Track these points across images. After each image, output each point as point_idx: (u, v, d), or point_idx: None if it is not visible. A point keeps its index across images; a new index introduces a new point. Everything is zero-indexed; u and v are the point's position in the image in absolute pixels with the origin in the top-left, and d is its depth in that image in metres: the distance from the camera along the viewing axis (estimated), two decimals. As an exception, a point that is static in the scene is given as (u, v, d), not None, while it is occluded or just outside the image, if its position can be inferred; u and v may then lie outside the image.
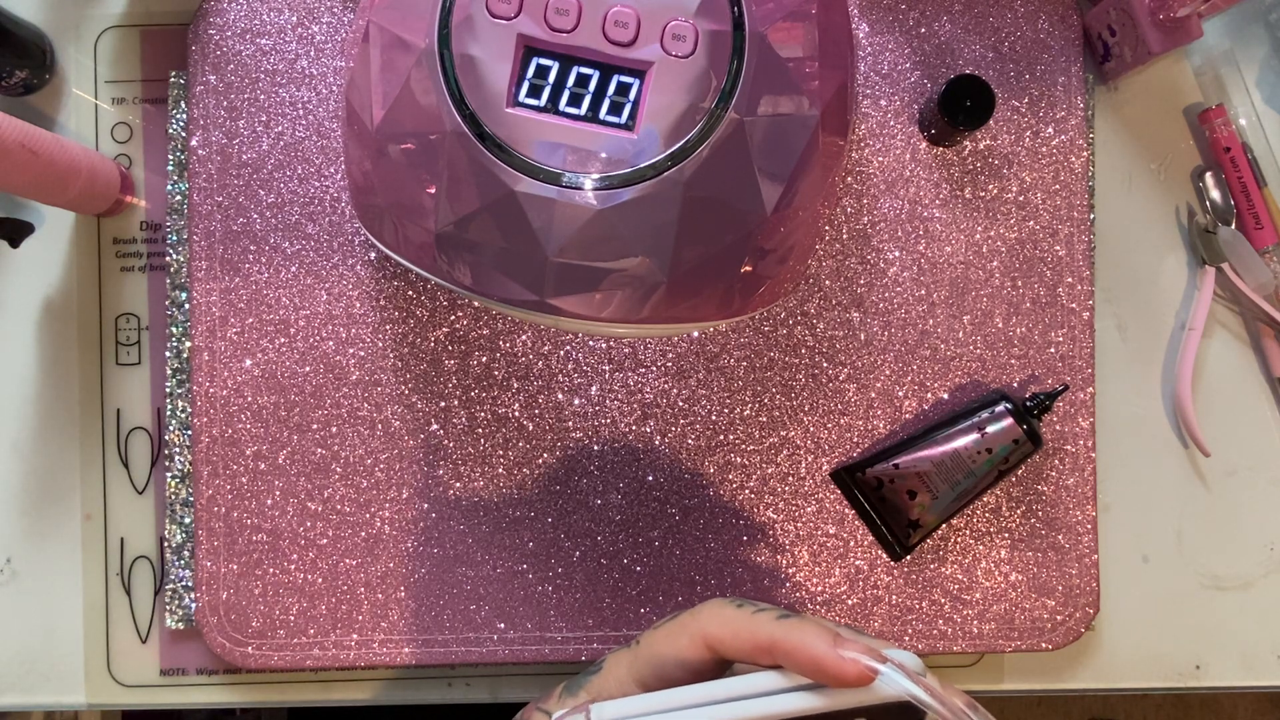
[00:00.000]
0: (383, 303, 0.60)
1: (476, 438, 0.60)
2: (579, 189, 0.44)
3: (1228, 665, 0.63)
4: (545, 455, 0.61)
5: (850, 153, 0.61)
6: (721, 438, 0.61)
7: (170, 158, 0.62)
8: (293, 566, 0.60)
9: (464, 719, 0.83)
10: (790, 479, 0.61)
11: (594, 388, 0.61)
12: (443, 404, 0.60)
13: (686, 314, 0.48)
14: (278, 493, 0.60)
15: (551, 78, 0.44)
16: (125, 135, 0.63)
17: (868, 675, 0.32)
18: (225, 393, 0.60)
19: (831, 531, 0.61)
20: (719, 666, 0.37)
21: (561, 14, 0.44)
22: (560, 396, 0.61)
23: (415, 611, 0.60)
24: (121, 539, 0.62)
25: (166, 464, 0.61)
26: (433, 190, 0.46)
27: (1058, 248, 0.61)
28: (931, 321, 0.61)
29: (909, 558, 0.61)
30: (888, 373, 0.61)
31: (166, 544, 0.61)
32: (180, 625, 0.61)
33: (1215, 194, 0.63)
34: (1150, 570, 0.63)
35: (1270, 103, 0.64)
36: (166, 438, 0.61)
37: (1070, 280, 0.61)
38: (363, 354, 0.60)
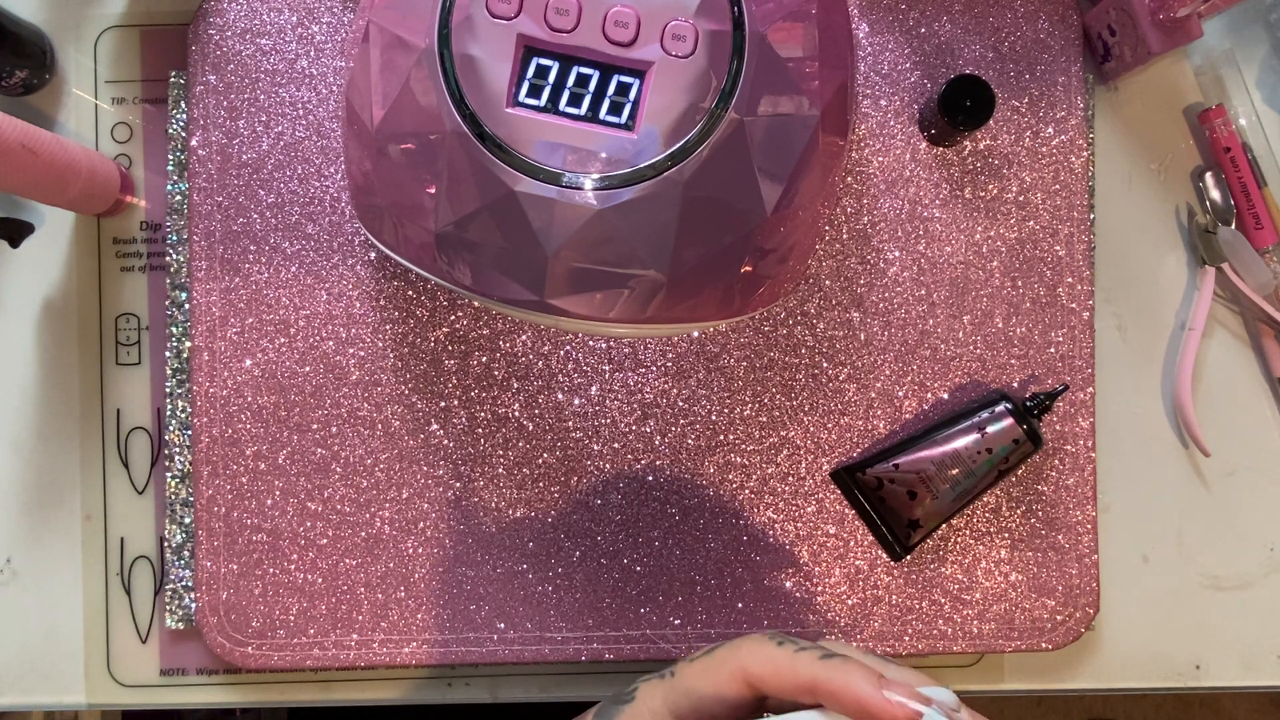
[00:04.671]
0: (383, 303, 0.60)
1: (476, 438, 0.60)
2: (579, 189, 0.44)
3: (1228, 665, 0.63)
4: (545, 455, 0.61)
5: (850, 153, 0.61)
6: (721, 438, 0.61)
7: (170, 158, 0.62)
8: (293, 566, 0.60)
9: (464, 719, 0.83)
10: (790, 479, 0.61)
11: (594, 388, 0.61)
12: (443, 404, 0.60)
13: (686, 314, 0.48)
14: (278, 493, 0.60)
15: (551, 78, 0.44)
16: (125, 135, 0.63)
17: (913, 717, 0.32)
18: (225, 393, 0.60)
19: (831, 531, 0.61)
20: (757, 702, 0.37)
21: (561, 14, 0.44)
22: (560, 396, 0.61)
23: (415, 611, 0.60)
24: (121, 539, 0.62)
25: (166, 464, 0.61)
26: (433, 190, 0.46)
27: (1058, 248, 0.61)
28: (931, 321, 0.61)
29: (909, 558, 0.61)
30: (888, 373, 0.61)
31: (166, 544, 0.61)
32: (180, 625, 0.61)
33: (1215, 194, 0.63)
34: (1150, 570, 0.63)
35: (1270, 103, 0.64)
36: (166, 438, 0.61)
37: (1070, 280, 0.61)
38: (363, 354, 0.60)
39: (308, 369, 0.60)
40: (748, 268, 0.48)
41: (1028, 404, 0.59)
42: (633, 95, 0.44)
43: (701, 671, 0.37)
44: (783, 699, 0.36)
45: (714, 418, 0.61)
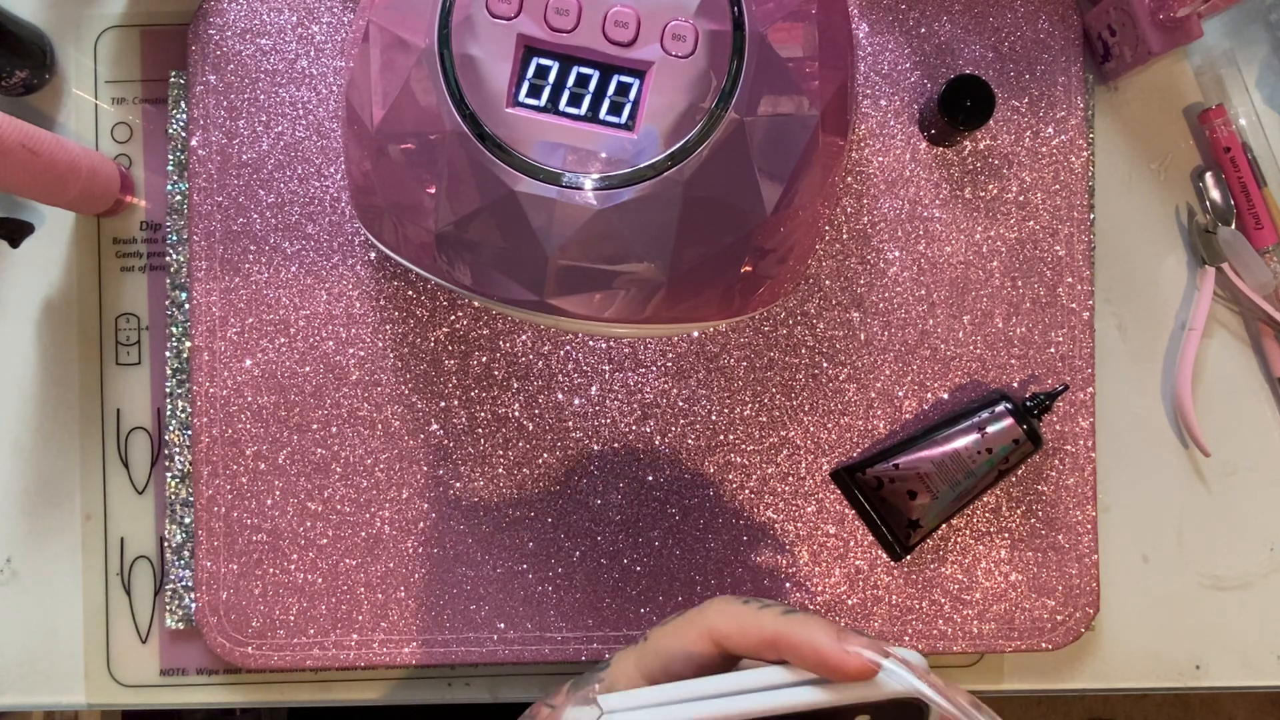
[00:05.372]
0: (383, 303, 0.60)
1: (476, 438, 0.60)
2: (579, 189, 0.44)
3: (1228, 665, 0.63)
4: (545, 455, 0.61)
5: (850, 153, 0.61)
6: (721, 438, 0.61)
7: (170, 158, 0.62)
8: (293, 566, 0.60)
9: (464, 719, 0.83)
10: (790, 479, 0.61)
11: (594, 388, 0.61)
12: (443, 404, 0.60)
13: (686, 314, 0.48)
14: (278, 493, 0.60)
15: (551, 78, 0.44)
16: (125, 135, 0.63)
17: (871, 668, 0.32)
18: (225, 393, 0.60)
19: (831, 531, 0.61)
20: (725, 663, 0.37)
21: (561, 14, 0.44)
22: (560, 396, 0.61)
23: (415, 611, 0.60)
24: (121, 539, 0.62)
25: (166, 464, 0.61)
26: (433, 190, 0.46)
27: (1058, 248, 0.61)
28: (931, 321, 0.61)
29: (909, 558, 0.61)
30: (888, 373, 0.61)
31: (166, 544, 0.61)
32: (180, 625, 0.61)
33: (1215, 194, 0.63)
34: (1150, 570, 0.63)
35: (1270, 103, 0.64)
36: (166, 438, 0.61)
37: (1070, 280, 0.61)
38: (363, 354, 0.60)
39: (308, 369, 0.60)
40: (748, 268, 0.48)
41: (1028, 404, 0.59)
42: (633, 95, 0.44)
43: (671, 632, 0.37)
44: (748, 656, 0.36)
45: (714, 418, 0.61)
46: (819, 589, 0.61)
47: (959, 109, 0.57)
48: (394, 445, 0.60)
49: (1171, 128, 0.64)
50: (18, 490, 0.62)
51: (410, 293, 0.60)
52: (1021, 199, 0.61)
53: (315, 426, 0.60)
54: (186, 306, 0.61)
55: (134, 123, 0.63)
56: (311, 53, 0.61)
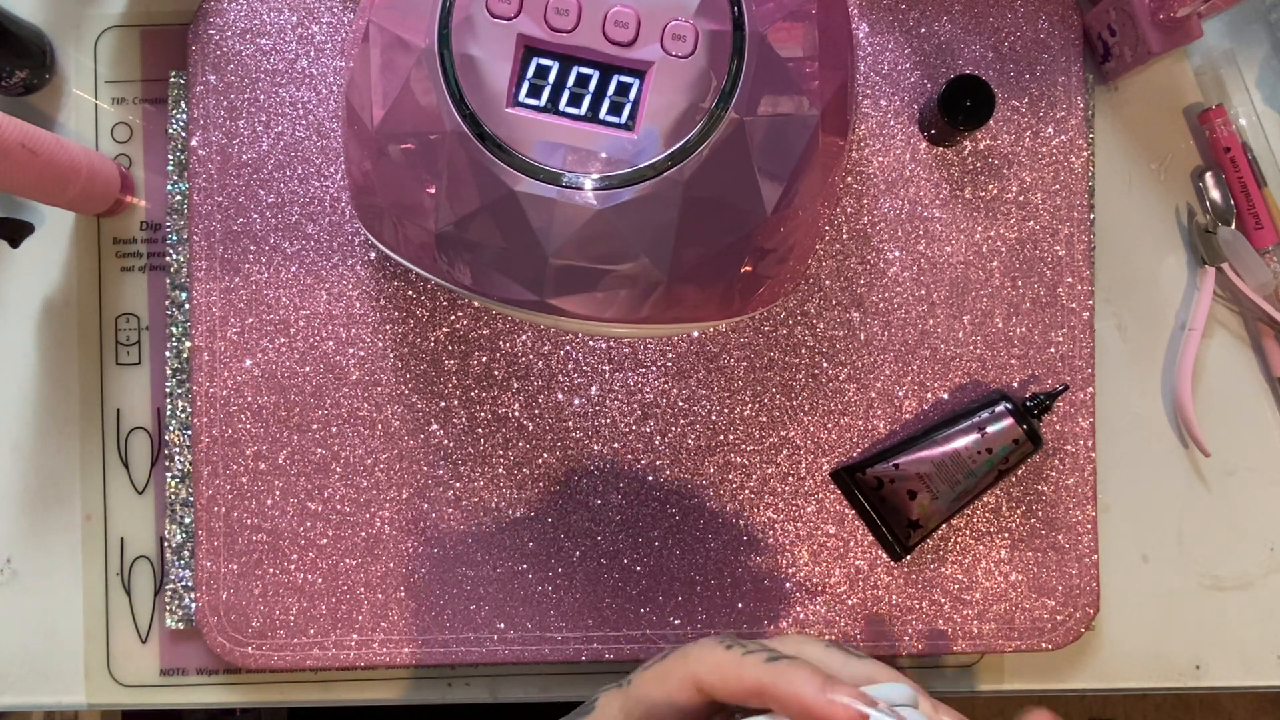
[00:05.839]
0: (383, 303, 0.60)
1: (476, 438, 0.60)
2: (579, 189, 0.44)
3: (1228, 665, 0.63)
4: (545, 455, 0.61)
5: (850, 153, 0.61)
6: (721, 438, 0.61)
7: (170, 158, 0.62)
8: (293, 566, 0.60)
9: (464, 719, 0.83)
10: (790, 479, 0.61)
11: (594, 388, 0.61)
12: (443, 404, 0.60)
13: (686, 314, 0.48)
14: (278, 493, 0.60)
15: (551, 78, 0.44)
16: (125, 135, 0.63)
17: (857, 718, 0.32)
18: (225, 393, 0.60)
19: (831, 531, 0.61)
20: (711, 708, 0.37)
21: (561, 14, 0.44)
22: (560, 396, 0.61)
23: (415, 611, 0.60)
24: (121, 539, 0.62)
25: (166, 464, 0.61)
26: (433, 190, 0.46)
27: (1058, 248, 0.61)
28: (931, 321, 0.61)
29: (909, 558, 0.61)
30: (888, 373, 0.61)
31: (166, 544, 0.61)
32: (180, 625, 0.61)
33: (1215, 194, 0.63)
34: (1150, 570, 0.63)
35: (1270, 103, 0.64)
36: (166, 438, 0.61)
37: (1070, 280, 0.61)
38: (363, 354, 0.60)
39: (308, 369, 0.60)
40: (748, 268, 0.48)
41: (1028, 404, 0.59)
42: (633, 95, 0.44)
43: (654, 679, 0.37)
44: (733, 704, 0.36)
45: (714, 418, 0.61)
46: (819, 589, 0.61)
47: (959, 109, 0.57)
48: (394, 445, 0.60)
49: (1171, 128, 0.64)
50: (18, 490, 0.62)
51: (410, 293, 0.60)
52: (1021, 199, 0.61)
53: (315, 426, 0.60)
54: (186, 306, 0.61)
55: (134, 123, 0.63)
56: (311, 53, 0.61)
